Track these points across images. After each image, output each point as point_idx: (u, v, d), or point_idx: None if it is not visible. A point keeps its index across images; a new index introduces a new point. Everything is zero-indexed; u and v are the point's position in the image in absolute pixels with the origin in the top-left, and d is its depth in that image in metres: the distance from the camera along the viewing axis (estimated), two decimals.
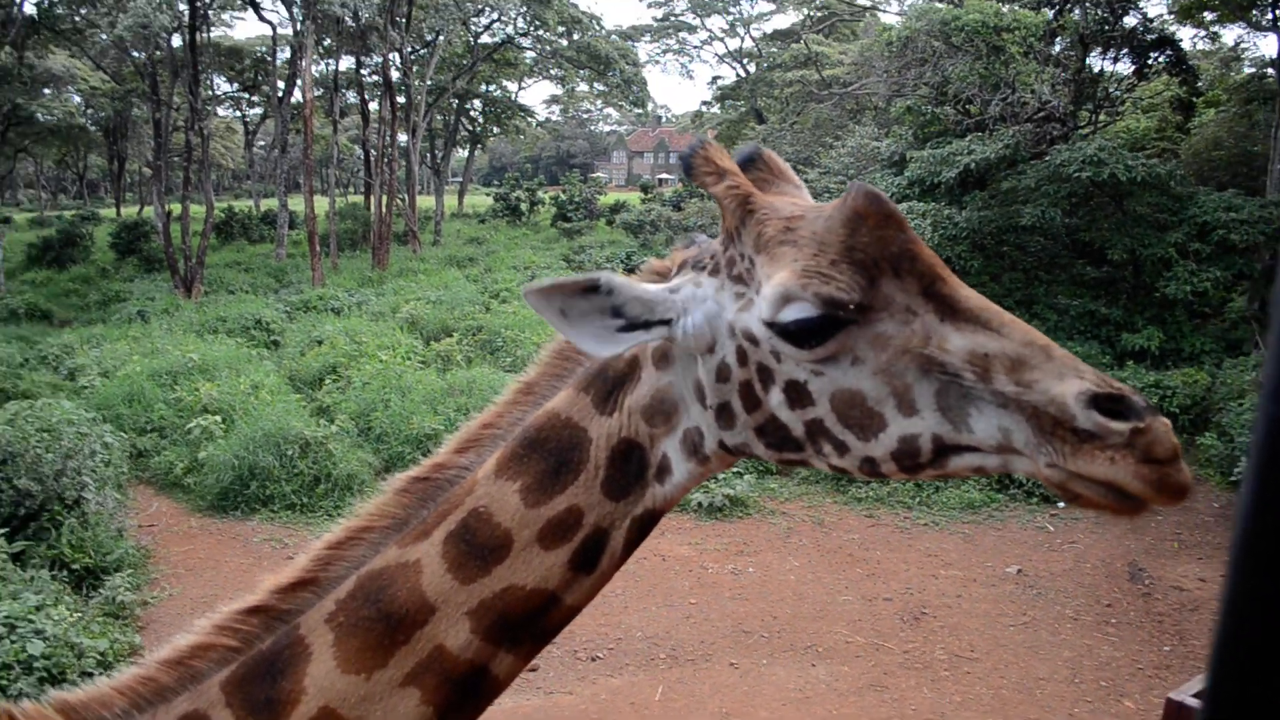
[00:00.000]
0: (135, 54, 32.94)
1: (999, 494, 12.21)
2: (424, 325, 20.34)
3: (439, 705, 1.75)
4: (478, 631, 1.74)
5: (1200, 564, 10.37)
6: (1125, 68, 22.96)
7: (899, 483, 11.24)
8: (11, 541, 8.97)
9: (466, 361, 17.29)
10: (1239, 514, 0.49)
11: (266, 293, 26.84)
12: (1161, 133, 23.63)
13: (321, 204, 36.86)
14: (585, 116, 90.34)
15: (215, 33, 40.92)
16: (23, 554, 9.04)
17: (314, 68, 33.59)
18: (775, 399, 1.61)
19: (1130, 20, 21.61)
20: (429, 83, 41.13)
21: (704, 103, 66.60)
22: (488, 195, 62.89)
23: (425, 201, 50.97)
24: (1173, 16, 23.93)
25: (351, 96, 46.12)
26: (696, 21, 56.86)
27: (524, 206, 51.42)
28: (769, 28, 54.59)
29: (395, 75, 35.79)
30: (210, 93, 45.95)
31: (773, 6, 52.87)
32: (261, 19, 49.98)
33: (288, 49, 36.23)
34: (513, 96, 60.93)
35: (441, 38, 40.38)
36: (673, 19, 57.29)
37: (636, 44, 56.77)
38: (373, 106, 40.39)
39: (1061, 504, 11.51)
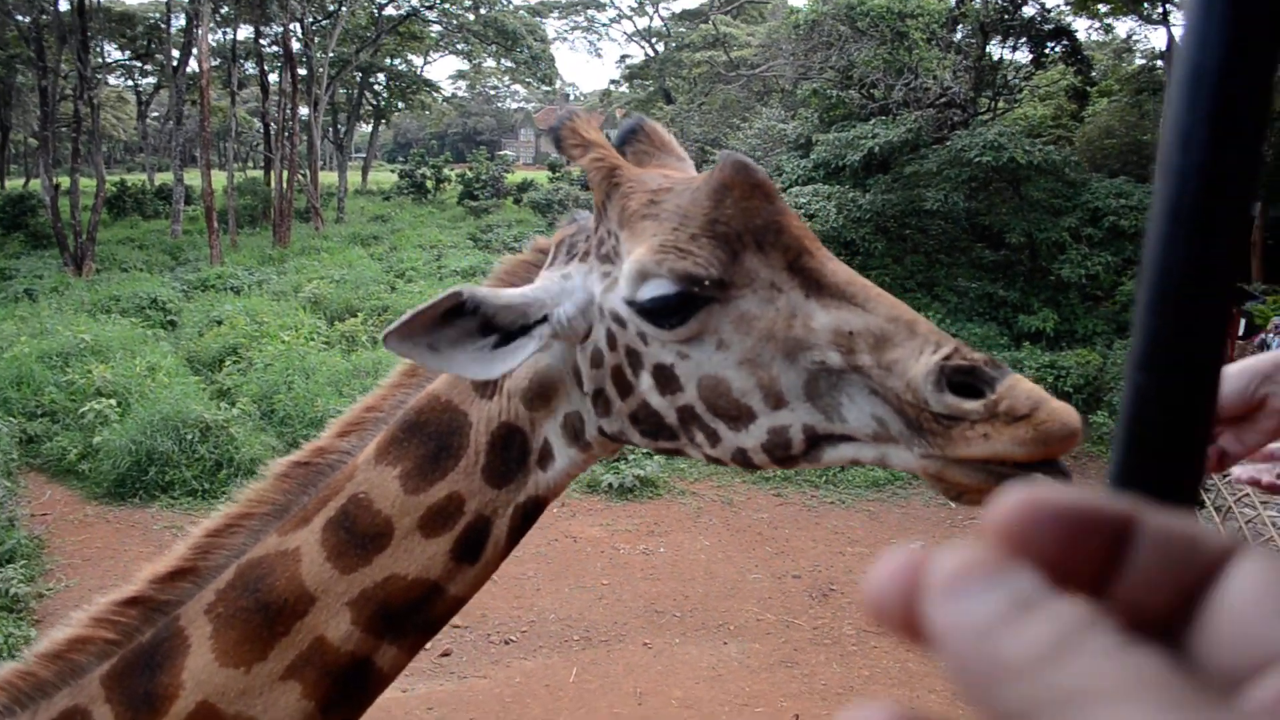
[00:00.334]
0: (19, 17, 31.37)
1: (902, 474, 12.51)
2: (328, 305, 19.89)
3: (320, 699, 1.69)
4: (359, 623, 1.68)
5: None
6: (1023, 56, 23.73)
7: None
8: None
9: (372, 343, 16.98)
10: (1108, 481, 0.52)
11: (162, 271, 25.90)
12: (1057, 120, 24.45)
13: (219, 179, 35.65)
14: (492, 93, 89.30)
15: None
16: None
17: (211, 36, 32.50)
18: (645, 383, 1.55)
19: (1029, 10, 22.33)
20: (331, 55, 40.09)
21: (612, 81, 66.40)
22: (392, 172, 61.52)
23: (328, 178, 49.80)
24: (1069, 8, 24.74)
25: (250, 67, 44.68)
26: None
27: (430, 184, 50.56)
28: (677, 7, 55.11)
29: (296, 46, 34.81)
30: (100, 60, 43.84)
31: None
32: None
33: (183, 16, 34.89)
34: (418, 71, 59.89)
35: (344, 8, 39.35)
36: None
37: (545, 20, 56.33)
38: (272, 78, 39.30)
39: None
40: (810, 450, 1.46)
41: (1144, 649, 0.34)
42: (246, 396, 13.44)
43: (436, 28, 51.04)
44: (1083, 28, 28.55)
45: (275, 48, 38.24)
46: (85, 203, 27.84)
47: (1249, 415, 1.40)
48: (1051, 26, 22.41)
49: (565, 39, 66.65)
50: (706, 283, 1.44)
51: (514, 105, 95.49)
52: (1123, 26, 29.21)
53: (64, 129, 30.51)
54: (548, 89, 56.79)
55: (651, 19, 55.91)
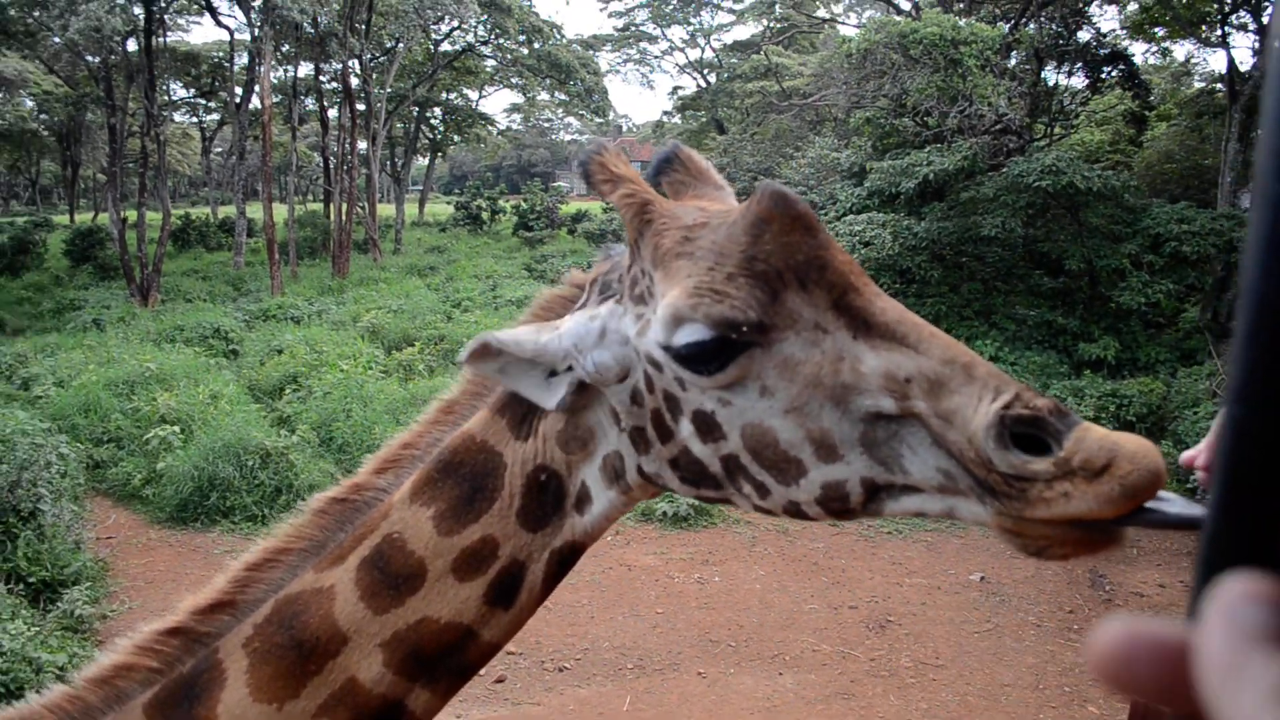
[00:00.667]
0: (89, 58, 32.39)
1: None
2: (385, 334, 20.19)
3: None
4: (391, 665, 1.65)
5: (1159, 570, 10.55)
6: (1079, 81, 23.40)
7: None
8: None
9: (429, 371, 17.19)
10: (1204, 521, 0.50)
11: (225, 301, 26.51)
12: (1115, 146, 24.09)
13: (280, 211, 36.50)
14: (546, 125, 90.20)
15: (171, 37, 40.39)
16: None
17: (272, 74, 33.27)
18: (685, 429, 1.48)
19: (1084, 35, 22.04)
20: (389, 90, 40.88)
21: (665, 112, 66.71)
22: (448, 204, 62.49)
23: (385, 210, 50.74)
24: (1125, 32, 24.48)
25: (310, 103, 45.63)
26: (657, 32, 57.00)
27: (485, 215, 51.23)
28: (729, 39, 54.76)
29: (355, 82, 35.58)
30: (166, 98, 45.30)
31: (733, 18, 53.08)
32: (219, 24, 49.39)
33: (245, 55, 35.84)
34: (473, 104, 60.73)
35: (401, 45, 40.19)
36: (634, 29, 57.36)
37: (597, 53, 56.88)
38: (332, 114, 40.09)
39: None
40: (869, 503, 1.39)
41: None
42: (306, 424, 13.66)
43: (491, 62, 51.87)
44: (1139, 51, 28.28)
45: (334, 84, 39.02)
46: (151, 235, 28.61)
47: None
48: (1108, 51, 22.13)
49: (618, 71, 67.38)
50: (745, 327, 1.37)
51: (568, 137, 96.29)
52: (1180, 50, 28.72)
53: (131, 164, 31.38)
54: (601, 121, 57.25)
55: (703, 51, 56.25)
